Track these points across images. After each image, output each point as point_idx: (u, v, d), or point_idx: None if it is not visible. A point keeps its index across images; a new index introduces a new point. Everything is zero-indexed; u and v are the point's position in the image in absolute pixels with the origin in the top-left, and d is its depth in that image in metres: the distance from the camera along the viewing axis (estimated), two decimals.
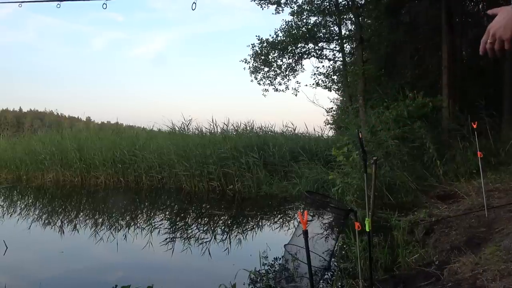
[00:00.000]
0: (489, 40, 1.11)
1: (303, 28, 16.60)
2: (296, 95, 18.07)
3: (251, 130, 11.65)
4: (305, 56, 17.47)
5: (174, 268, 4.69)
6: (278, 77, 17.56)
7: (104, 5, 2.36)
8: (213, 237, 5.72)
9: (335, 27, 16.74)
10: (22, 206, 8.81)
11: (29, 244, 5.67)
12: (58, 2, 2.63)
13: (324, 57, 17.89)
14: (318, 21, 16.71)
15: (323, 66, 19.83)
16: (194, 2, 2.16)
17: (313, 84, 18.93)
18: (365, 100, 12.35)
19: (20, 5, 2.97)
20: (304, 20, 16.80)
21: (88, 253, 5.24)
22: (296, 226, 4.66)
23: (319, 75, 18.78)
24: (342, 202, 5.64)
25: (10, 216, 7.56)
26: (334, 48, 17.79)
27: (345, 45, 17.06)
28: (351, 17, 15.51)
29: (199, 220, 7.22)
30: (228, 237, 5.75)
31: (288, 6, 16.55)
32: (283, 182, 8.89)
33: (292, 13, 16.70)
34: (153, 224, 6.64)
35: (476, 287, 2.72)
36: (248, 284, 3.70)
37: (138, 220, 7.25)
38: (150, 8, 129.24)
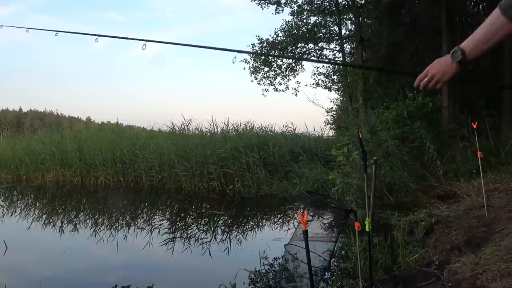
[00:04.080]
0: (427, 79, 1.45)
1: (303, 28, 16.62)
2: (296, 95, 18.10)
3: (251, 130, 11.65)
4: (305, 56, 17.47)
5: (174, 268, 4.69)
6: (278, 77, 17.59)
7: (144, 46, 2.30)
8: (213, 237, 5.72)
9: (335, 27, 16.77)
10: (22, 206, 8.81)
11: (29, 244, 5.67)
12: (96, 37, 2.60)
13: (324, 57, 17.91)
14: (318, 21, 16.72)
15: (323, 66, 19.86)
16: (235, 56, 2.11)
17: (313, 84, 18.98)
18: (365, 100, 12.35)
19: (56, 34, 2.96)
20: (304, 20, 16.83)
21: (88, 253, 5.23)
22: (296, 226, 4.66)
23: (319, 75, 18.83)
24: (342, 202, 5.64)
25: (10, 216, 7.56)
26: (334, 48, 17.81)
27: (345, 45, 17.07)
28: (351, 17, 15.53)
29: (199, 220, 7.22)
30: (228, 237, 5.75)
31: (288, 6, 16.58)
32: (283, 182, 8.88)
33: (292, 13, 16.72)
34: (153, 224, 6.64)
35: (476, 287, 2.72)
36: (248, 284, 3.69)
37: (138, 220, 7.25)
38: (150, 8, 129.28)
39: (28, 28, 3.15)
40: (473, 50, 1.34)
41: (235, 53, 2.00)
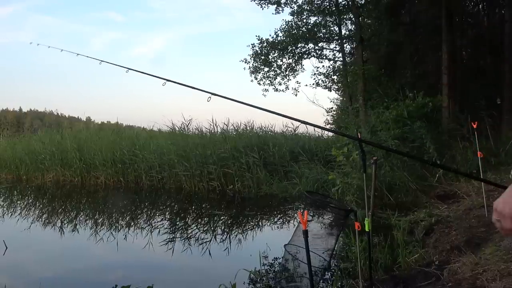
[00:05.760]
0: (496, 217, 1.05)
1: (303, 28, 16.61)
2: (296, 95, 18.09)
3: (251, 130, 11.64)
4: (305, 56, 17.49)
5: (174, 268, 4.69)
6: (278, 77, 17.58)
7: (209, 98, 2.41)
8: (213, 237, 5.72)
9: (335, 27, 16.76)
10: (22, 206, 8.81)
11: (29, 244, 5.67)
12: (164, 81, 2.68)
13: (324, 57, 17.92)
14: (318, 21, 16.72)
15: (323, 66, 19.86)
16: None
17: (313, 84, 18.96)
18: (365, 100, 12.34)
19: (127, 71, 3.06)
20: (304, 20, 16.83)
21: (88, 253, 5.24)
22: (296, 226, 4.66)
23: (319, 75, 18.81)
24: (342, 202, 5.64)
25: (10, 216, 7.56)
26: (334, 48, 17.81)
27: (345, 45, 17.07)
28: (351, 17, 15.52)
29: (199, 220, 7.22)
30: (228, 237, 5.75)
31: (288, 6, 16.58)
32: (283, 182, 8.88)
33: (292, 13, 16.72)
34: (153, 224, 6.64)
35: (476, 287, 2.72)
36: (248, 284, 3.70)
37: (138, 220, 7.25)
38: (150, 8, 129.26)
39: (101, 61, 3.43)
40: None
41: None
